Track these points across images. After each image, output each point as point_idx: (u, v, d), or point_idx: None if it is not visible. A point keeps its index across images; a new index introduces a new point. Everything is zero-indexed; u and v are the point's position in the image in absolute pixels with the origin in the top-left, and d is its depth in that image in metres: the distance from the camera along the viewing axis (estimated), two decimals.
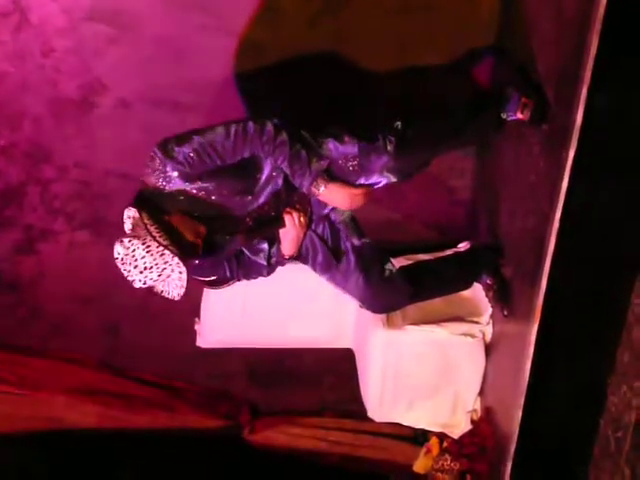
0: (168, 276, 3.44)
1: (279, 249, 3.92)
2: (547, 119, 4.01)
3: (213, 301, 5.12)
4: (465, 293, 4.83)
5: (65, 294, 5.42)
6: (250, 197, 3.70)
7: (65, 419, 5.52)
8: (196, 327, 5.26)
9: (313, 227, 4.03)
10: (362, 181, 3.92)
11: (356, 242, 4.14)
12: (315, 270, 4.18)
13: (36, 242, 5.16)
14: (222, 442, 5.66)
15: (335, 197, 3.78)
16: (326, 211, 4.02)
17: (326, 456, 5.59)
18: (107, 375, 5.61)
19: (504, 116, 4.17)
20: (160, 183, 3.52)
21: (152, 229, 3.41)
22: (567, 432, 4.50)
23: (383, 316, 4.76)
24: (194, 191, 3.56)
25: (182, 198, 3.55)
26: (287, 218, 3.80)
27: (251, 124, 3.56)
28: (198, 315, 5.21)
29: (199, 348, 5.32)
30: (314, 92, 4.76)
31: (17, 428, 5.49)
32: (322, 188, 3.71)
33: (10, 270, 5.28)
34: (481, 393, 4.93)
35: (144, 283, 3.44)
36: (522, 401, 4.23)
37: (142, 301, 5.44)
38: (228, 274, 4.01)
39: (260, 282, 4.75)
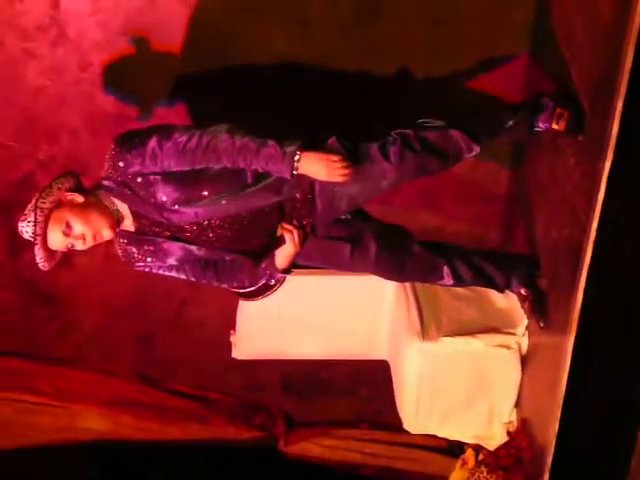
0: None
1: (273, 263, 3.87)
2: (583, 130, 3.98)
3: (248, 313, 5.12)
4: (500, 304, 4.82)
5: (100, 306, 5.46)
6: (188, 209, 3.69)
7: (100, 430, 5.56)
8: (231, 339, 5.27)
9: (325, 233, 4.01)
10: None
11: (370, 223, 4.17)
12: (339, 268, 4.18)
13: (73, 254, 5.19)
14: (257, 453, 5.68)
15: (312, 166, 3.66)
16: (333, 217, 3.99)
17: (361, 468, 5.59)
18: (141, 386, 5.64)
19: (536, 126, 4.14)
20: (109, 171, 3.63)
21: (53, 189, 3.54)
22: (604, 445, 4.47)
23: (418, 328, 4.75)
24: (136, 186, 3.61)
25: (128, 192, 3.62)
26: (287, 236, 3.77)
27: (206, 137, 3.57)
28: (233, 327, 5.22)
29: (234, 359, 5.33)
30: (342, 103, 4.81)
31: (53, 439, 5.54)
32: (297, 157, 3.61)
33: (47, 282, 5.33)
34: (517, 405, 4.89)
35: (20, 232, 3.55)
36: (559, 413, 4.20)
37: (177, 312, 5.48)
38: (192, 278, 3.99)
39: (295, 294, 4.80)
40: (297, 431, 5.67)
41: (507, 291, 4.66)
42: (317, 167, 3.66)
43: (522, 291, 4.53)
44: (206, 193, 3.66)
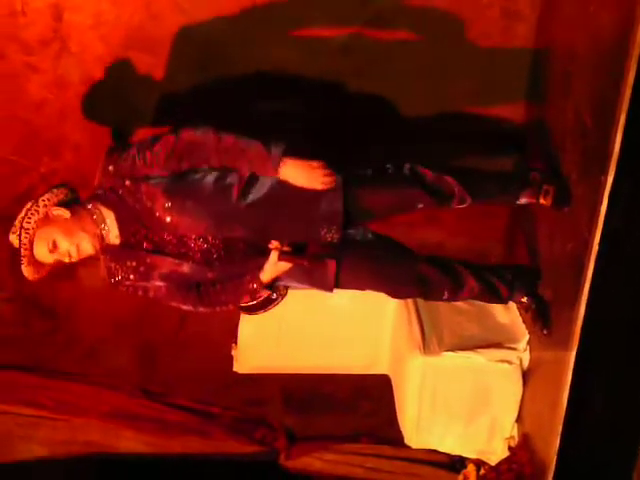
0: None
1: (257, 276, 3.88)
2: (569, 203, 4.11)
3: (249, 327, 5.13)
4: (502, 319, 4.82)
5: (102, 320, 5.45)
6: (171, 217, 3.73)
7: (101, 444, 5.55)
8: (233, 352, 5.27)
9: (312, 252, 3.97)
10: None
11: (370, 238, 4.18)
12: (323, 288, 4.13)
13: (74, 268, 5.19)
14: (258, 468, 5.66)
15: (292, 172, 3.73)
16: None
17: None
18: (143, 400, 5.63)
19: (520, 198, 4.25)
20: (99, 179, 3.76)
21: (39, 206, 3.61)
22: (605, 459, 4.46)
23: (420, 342, 4.75)
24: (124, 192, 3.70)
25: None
26: (273, 254, 3.78)
27: (194, 136, 3.67)
28: (235, 340, 5.22)
29: (235, 373, 5.33)
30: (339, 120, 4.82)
31: (54, 453, 5.53)
32: (279, 167, 3.71)
33: (49, 296, 5.33)
34: (518, 420, 4.89)
35: (12, 243, 3.65)
36: (560, 428, 4.20)
37: (178, 326, 5.47)
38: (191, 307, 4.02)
39: (296, 308, 4.80)
40: (298, 445, 5.65)
41: (508, 304, 4.67)
42: (297, 173, 3.73)
43: (524, 299, 4.50)
44: (190, 203, 3.71)
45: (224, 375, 5.43)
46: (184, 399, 5.68)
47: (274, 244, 3.75)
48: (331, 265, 3.99)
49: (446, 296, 4.34)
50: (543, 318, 4.44)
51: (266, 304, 4.66)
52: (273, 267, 3.81)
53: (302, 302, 4.96)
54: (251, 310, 4.69)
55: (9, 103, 4.79)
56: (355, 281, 4.17)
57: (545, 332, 4.43)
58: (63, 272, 5.15)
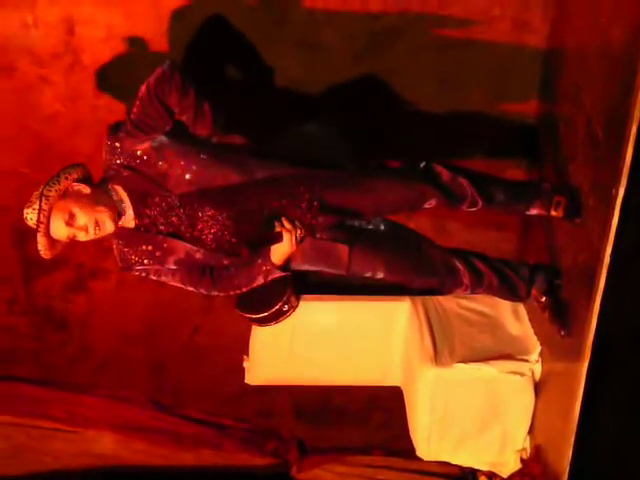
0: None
1: (269, 259, 3.82)
2: (580, 215, 4.10)
3: (261, 339, 5.12)
4: (514, 331, 4.82)
5: (114, 332, 5.47)
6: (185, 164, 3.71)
7: (113, 456, 5.56)
8: (244, 364, 5.27)
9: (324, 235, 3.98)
10: None
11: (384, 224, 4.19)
12: (337, 270, 4.10)
13: (87, 280, 5.21)
14: None
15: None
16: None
17: None
18: (155, 412, 5.64)
19: (530, 209, 4.24)
20: (107, 159, 3.68)
21: (60, 178, 3.56)
22: (618, 471, 4.45)
23: (432, 354, 4.74)
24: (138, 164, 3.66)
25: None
26: (286, 236, 3.70)
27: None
28: (246, 352, 5.22)
29: (247, 385, 5.33)
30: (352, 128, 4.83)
31: (66, 465, 5.54)
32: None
33: (61, 308, 5.34)
34: (531, 431, 4.88)
35: (25, 218, 3.56)
36: (572, 440, 4.19)
37: (190, 338, 5.48)
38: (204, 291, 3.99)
39: (308, 320, 4.80)
40: (310, 458, 5.65)
41: (520, 317, 4.66)
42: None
43: (542, 299, 4.44)
44: (205, 155, 3.70)
45: (236, 387, 5.43)
46: (196, 411, 5.69)
47: (287, 225, 3.71)
48: (343, 249, 4.00)
49: (464, 288, 4.30)
50: (561, 319, 4.36)
51: (278, 316, 4.67)
52: (285, 248, 3.74)
53: (313, 314, 4.98)
54: (263, 322, 4.70)
55: (21, 116, 4.82)
56: (368, 267, 4.12)
57: (563, 333, 4.34)
58: (75, 284, 5.23)
